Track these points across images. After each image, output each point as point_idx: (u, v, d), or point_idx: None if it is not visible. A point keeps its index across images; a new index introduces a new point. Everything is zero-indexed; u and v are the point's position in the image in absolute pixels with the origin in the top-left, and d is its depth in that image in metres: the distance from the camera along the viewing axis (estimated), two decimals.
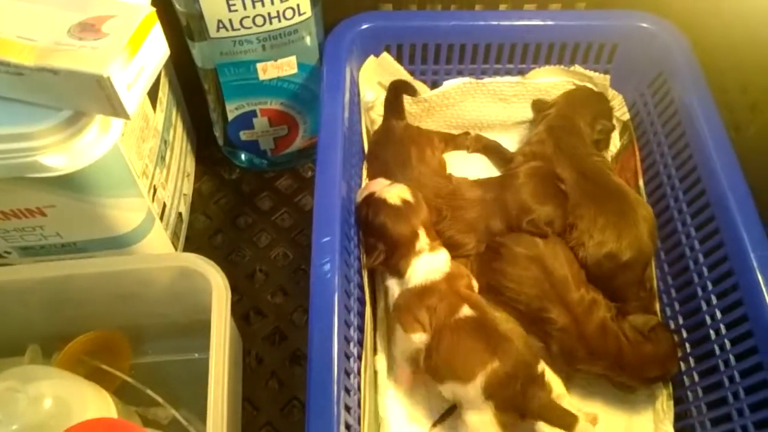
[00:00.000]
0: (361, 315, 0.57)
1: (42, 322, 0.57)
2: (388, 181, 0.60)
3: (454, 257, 0.59)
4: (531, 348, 0.54)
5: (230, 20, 0.56)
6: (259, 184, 0.74)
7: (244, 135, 0.69)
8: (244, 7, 0.55)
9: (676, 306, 0.60)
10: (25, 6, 0.42)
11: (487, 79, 0.70)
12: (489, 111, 0.72)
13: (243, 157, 0.73)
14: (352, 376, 0.51)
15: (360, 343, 0.55)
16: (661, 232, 0.62)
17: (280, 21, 0.57)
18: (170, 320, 0.58)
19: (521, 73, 0.70)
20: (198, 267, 0.51)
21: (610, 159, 0.69)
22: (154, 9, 0.42)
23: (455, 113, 0.72)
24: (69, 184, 0.47)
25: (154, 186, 0.58)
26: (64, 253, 0.56)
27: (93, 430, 0.39)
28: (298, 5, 0.57)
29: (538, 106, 0.70)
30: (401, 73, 0.69)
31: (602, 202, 0.61)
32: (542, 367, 0.53)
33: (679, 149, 0.62)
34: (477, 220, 0.62)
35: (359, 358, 0.54)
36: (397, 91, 0.67)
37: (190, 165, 0.72)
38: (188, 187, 0.71)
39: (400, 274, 0.56)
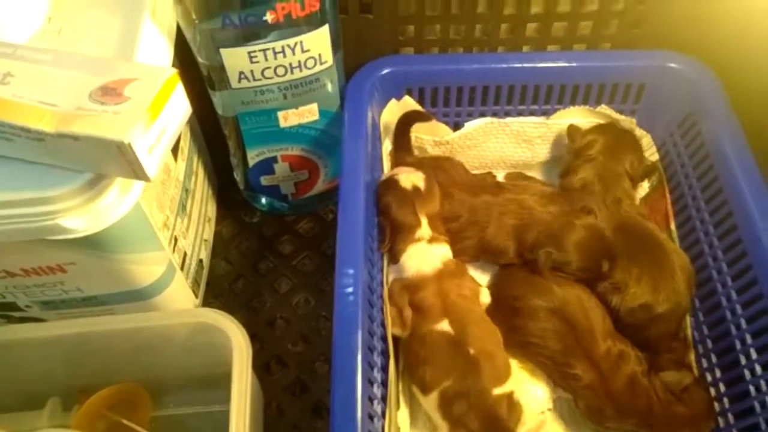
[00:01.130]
0: (384, 369, 0.55)
1: (62, 375, 0.57)
2: (413, 169, 0.61)
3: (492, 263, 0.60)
4: (498, 371, 0.53)
5: (251, 71, 0.56)
6: (280, 228, 0.73)
7: (264, 180, 0.68)
8: (266, 59, 0.55)
9: (713, 358, 0.58)
10: (47, 70, 0.42)
11: (509, 119, 0.69)
12: (512, 151, 0.71)
13: (263, 201, 0.73)
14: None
15: (383, 399, 0.54)
16: (696, 278, 0.60)
17: (301, 71, 0.57)
18: (190, 373, 0.57)
19: (545, 114, 0.68)
20: (218, 324, 0.51)
21: (638, 201, 0.67)
22: (176, 71, 0.41)
23: (477, 154, 0.71)
24: (89, 242, 0.46)
25: (175, 237, 0.58)
26: (85, 306, 0.56)
27: None
28: (319, 55, 0.56)
29: (573, 136, 0.67)
30: None
31: (637, 250, 0.59)
32: (508, 393, 0.52)
33: (713, 193, 0.59)
34: (519, 229, 0.61)
35: (383, 415, 0.53)
36: (406, 124, 0.66)
37: (211, 210, 0.72)
38: (209, 233, 0.70)
39: (395, 259, 0.58)
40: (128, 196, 0.45)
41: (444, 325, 0.54)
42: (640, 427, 0.54)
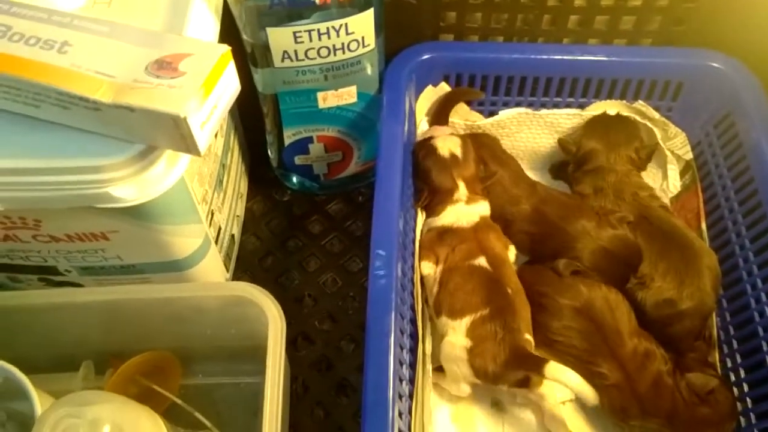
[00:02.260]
0: (413, 351, 0.56)
1: (97, 340, 0.58)
2: (449, 130, 0.64)
3: None
4: (526, 322, 0.55)
5: (295, 51, 0.56)
6: (310, 208, 0.74)
7: (298, 159, 0.69)
8: (310, 39, 0.55)
9: (738, 358, 0.58)
10: (104, 41, 0.42)
11: (544, 111, 0.69)
12: (545, 142, 0.71)
13: (295, 180, 0.73)
14: (404, 416, 0.50)
15: (411, 381, 0.55)
16: (724, 279, 0.60)
17: (344, 53, 0.57)
18: (220, 344, 0.59)
19: (581, 107, 0.69)
20: (254, 297, 0.52)
21: (669, 200, 0.67)
22: (230, 48, 0.42)
23: (510, 144, 0.71)
24: (134, 212, 0.47)
25: (212, 211, 0.59)
26: (122, 274, 0.57)
27: None
28: (363, 38, 0.57)
29: (567, 148, 0.67)
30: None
31: (665, 246, 0.59)
32: (530, 341, 0.55)
33: (747, 195, 0.60)
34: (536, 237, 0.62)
35: (410, 396, 0.54)
36: (451, 100, 0.66)
37: (244, 186, 0.73)
38: (241, 209, 0.71)
39: (435, 214, 0.61)
40: (175, 169, 0.46)
41: (482, 261, 0.57)
42: (664, 426, 0.54)
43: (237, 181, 0.69)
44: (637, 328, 0.57)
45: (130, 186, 0.44)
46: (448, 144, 0.61)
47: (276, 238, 0.72)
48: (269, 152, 0.71)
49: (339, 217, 0.73)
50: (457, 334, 0.54)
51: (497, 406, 0.59)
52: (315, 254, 0.71)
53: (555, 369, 0.51)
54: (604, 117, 0.67)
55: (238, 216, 0.70)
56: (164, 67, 0.41)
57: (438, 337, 0.58)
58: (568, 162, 0.69)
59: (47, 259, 0.54)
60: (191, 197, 0.52)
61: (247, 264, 0.70)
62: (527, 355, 0.53)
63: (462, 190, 0.60)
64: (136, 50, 0.42)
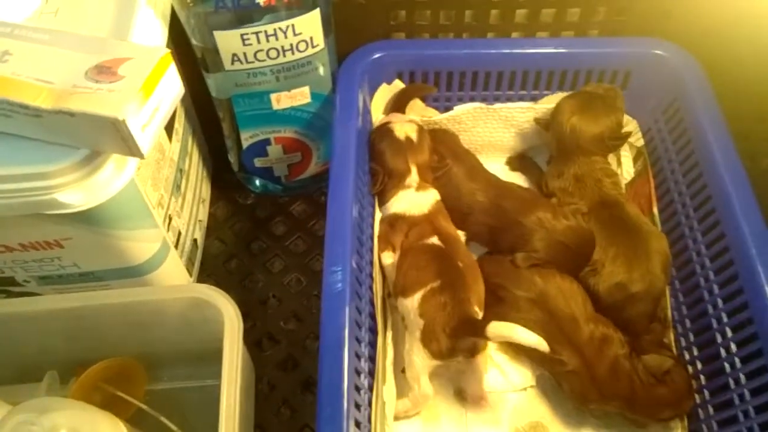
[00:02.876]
0: (373, 345, 0.57)
1: (60, 349, 0.58)
2: (407, 118, 0.65)
3: None
4: (477, 295, 0.57)
5: (244, 54, 0.57)
6: (273, 210, 0.75)
7: (258, 162, 0.69)
8: (258, 41, 0.56)
9: (691, 337, 0.59)
10: (44, 49, 0.43)
11: (498, 105, 0.70)
12: (501, 136, 0.73)
13: (257, 182, 0.74)
14: (362, 408, 0.51)
15: (371, 374, 0.55)
16: (675, 261, 0.62)
17: (293, 53, 0.58)
18: (184, 348, 0.59)
19: (533, 99, 0.70)
20: (210, 298, 0.52)
21: (623, 186, 0.69)
22: (169, 51, 0.43)
23: (467, 138, 0.73)
24: (85, 218, 0.48)
25: (170, 215, 0.59)
26: (81, 282, 0.57)
27: None
28: (311, 38, 0.58)
29: (545, 124, 0.68)
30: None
31: (616, 232, 0.60)
32: (479, 313, 0.55)
33: (694, 178, 0.61)
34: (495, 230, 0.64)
35: (370, 389, 0.54)
36: (406, 95, 0.68)
37: (206, 191, 0.73)
38: (204, 213, 0.72)
39: (385, 201, 0.62)
40: (123, 173, 0.46)
41: (434, 240, 0.58)
42: (623, 408, 0.56)
43: (198, 185, 0.69)
44: (594, 314, 0.58)
45: (77, 191, 0.44)
46: (405, 128, 0.63)
47: (240, 241, 0.72)
48: (229, 156, 0.72)
49: (302, 218, 0.74)
50: (410, 312, 0.55)
51: (459, 395, 0.60)
52: (279, 255, 0.71)
53: (498, 326, 0.51)
54: (582, 94, 0.67)
55: (200, 220, 0.70)
56: (104, 72, 0.41)
57: (399, 331, 0.59)
58: (526, 155, 0.70)
59: (4, 270, 0.55)
60: (144, 201, 0.53)
61: (211, 268, 0.70)
62: (472, 320, 0.54)
63: (413, 176, 0.62)
64: (76, 56, 0.42)
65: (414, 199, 0.61)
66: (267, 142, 0.67)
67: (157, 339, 0.58)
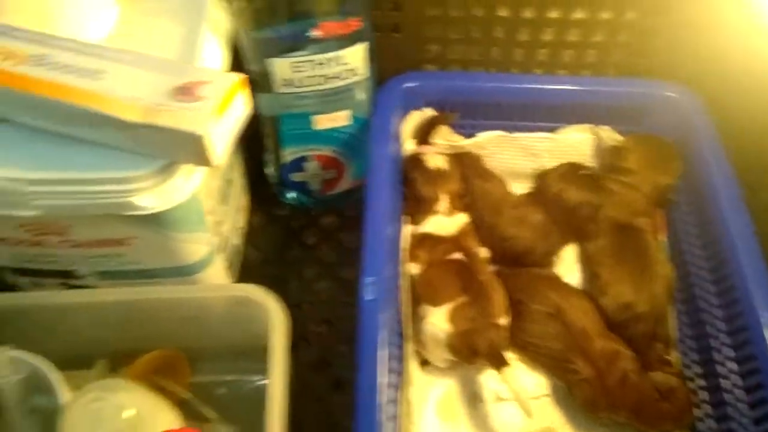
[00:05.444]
0: (400, 347, 0.63)
1: (110, 339, 0.63)
2: (436, 149, 0.71)
3: None
4: (501, 307, 0.62)
5: (295, 79, 0.63)
6: (305, 221, 0.80)
7: (295, 177, 0.75)
8: (308, 69, 0.62)
9: (693, 355, 0.64)
10: (132, 70, 0.49)
11: (518, 134, 0.76)
12: (521, 163, 0.78)
13: (292, 195, 0.80)
14: (393, 404, 0.56)
15: (399, 373, 0.60)
16: (680, 284, 0.67)
17: (339, 81, 0.64)
18: (224, 343, 0.64)
19: (552, 130, 0.76)
20: (258, 298, 0.57)
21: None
22: (243, 76, 0.49)
23: (489, 164, 0.78)
24: (152, 220, 0.53)
25: (217, 221, 0.65)
26: (136, 278, 0.63)
27: None
28: (356, 68, 0.64)
29: (614, 154, 0.73)
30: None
31: (625, 255, 0.66)
32: (504, 324, 0.61)
33: (698, 210, 0.67)
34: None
35: (396, 388, 0.59)
36: (434, 121, 0.73)
37: (245, 201, 0.79)
38: (243, 221, 0.77)
39: (417, 223, 0.67)
40: (191, 181, 0.52)
41: (457, 255, 0.64)
42: (630, 419, 0.60)
43: (239, 195, 0.75)
44: (606, 331, 0.63)
45: (151, 196, 0.50)
46: (436, 159, 0.69)
47: (275, 249, 0.78)
48: (267, 170, 0.78)
49: (332, 230, 0.79)
50: (437, 318, 0.60)
51: (479, 398, 0.64)
52: (310, 264, 0.77)
53: (509, 376, 0.57)
54: (652, 138, 0.72)
55: (240, 228, 0.76)
56: (185, 92, 0.47)
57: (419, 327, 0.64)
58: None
59: (68, 263, 0.60)
60: (201, 208, 0.58)
61: (248, 273, 0.75)
62: (495, 351, 0.59)
63: (443, 204, 0.67)
64: (160, 77, 0.48)
65: (443, 222, 0.66)
66: (305, 159, 0.73)
67: (201, 334, 0.63)
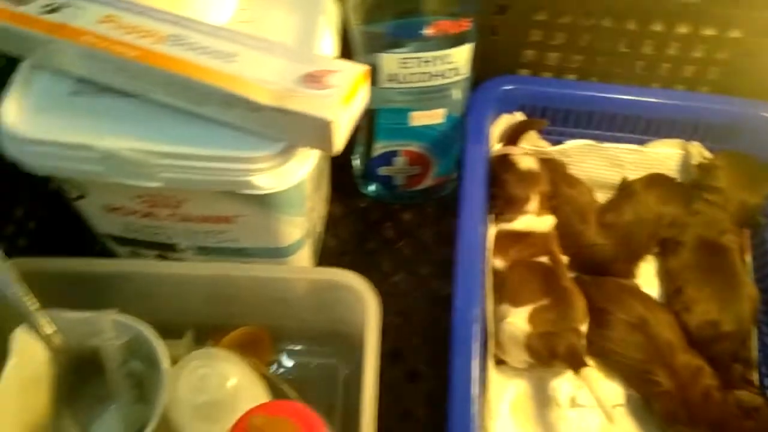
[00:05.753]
0: (484, 344, 0.63)
1: (199, 312, 0.65)
2: (525, 149, 0.72)
3: None
4: (583, 314, 0.62)
5: (400, 75, 0.64)
6: (384, 215, 0.82)
7: (382, 170, 0.77)
8: (415, 66, 0.63)
9: None
10: (263, 55, 0.51)
11: (606, 144, 0.76)
12: (604, 174, 0.78)
13: (372, 188, 0.81)
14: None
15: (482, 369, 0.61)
16: (763, 306, 0.67)
17: (441, 79, 0.65)
18: (307, 326, 0.66)
19: (640, 143, 0.76)
20: (354, 283, 0.59)
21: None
22: (368, 68, 0.50)
23: (573, 172, 0.79)
24: (264, 200, 0.55)
25: (311, 208, 0.67)
26: (231, 255, 0.64)
27: (280, 411, 0.46)
28: (459, 67, 0.65)
29: (703, 171, 0.73)
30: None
31: (712, 273, 0.66)
32: (583, 331, 0.61)
33: None
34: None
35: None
36: (523, 126, 0.75)
37: (329, 191, 0.81)
38: (326, 211, 0.79)
39: (507, 221, 0.68)
40: (305, 166, 0.53)
41: (543, 258, 0.65)
42: None
43: (326, 185, 0.77)
44: (689, 347, 0.63)
45: (269, 176, 0.52)
46: (526, 161, 0.70)
47: (353, 239, 0.80)
48: (354, 161, 0.79)
49: (410, 226, 0.81)
50: (517, 318, 0.61)
51: (553, 402, 0.65)
52: (387, 257, 0.78)
53: (590, 378, 0.57)
54: (743, 156, 0.72)
55: (323, 216, 0.78)
56: (314, 80, 0.49)
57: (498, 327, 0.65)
58: None
59: (172, 236, 0.62)
60: (305, 193, 0.60)
61: (327, 261, 0.77)
62: (575, 353, 0.59)
63: (533, 204, 0.68)
64: (290, 64, 0.50)
65: (532, 222, 0.68)
66: (395, 153, 0.74)
67: (286, 314, 0.65)
